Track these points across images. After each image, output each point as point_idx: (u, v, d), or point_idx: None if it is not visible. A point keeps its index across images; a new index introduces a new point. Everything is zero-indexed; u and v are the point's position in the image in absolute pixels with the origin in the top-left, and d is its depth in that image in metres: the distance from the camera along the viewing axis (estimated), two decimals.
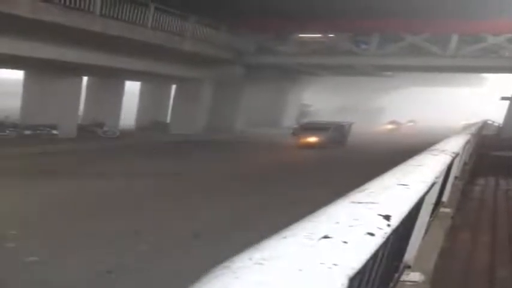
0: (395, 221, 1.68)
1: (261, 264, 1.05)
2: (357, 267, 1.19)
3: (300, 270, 1.04)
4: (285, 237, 1.24)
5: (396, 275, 2.87)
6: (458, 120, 52.54)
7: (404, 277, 3.28)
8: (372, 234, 1.42)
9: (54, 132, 26.83)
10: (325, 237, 1.26)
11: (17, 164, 18.44)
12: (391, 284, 2.68)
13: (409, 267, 3.36)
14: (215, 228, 9.93)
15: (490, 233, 5.70)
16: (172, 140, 30.69)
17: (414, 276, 3.45)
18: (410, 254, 3.26)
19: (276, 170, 19.46)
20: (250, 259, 1.07)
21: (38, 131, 26.47)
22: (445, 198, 6.10)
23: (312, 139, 28.63)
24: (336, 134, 29.61)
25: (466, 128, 17.66)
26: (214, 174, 17.82)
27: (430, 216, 4.35)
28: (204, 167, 19.93)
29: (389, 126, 52.97)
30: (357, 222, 1.47)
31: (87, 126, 30.68)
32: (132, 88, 39.86)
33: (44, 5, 20.54)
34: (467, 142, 9.25)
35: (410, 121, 59.66)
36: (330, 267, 1.09)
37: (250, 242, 1.19)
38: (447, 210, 6.19)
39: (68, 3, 21.70)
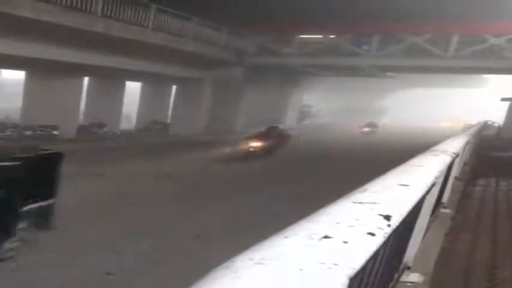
0: (395, 221, 1.68)
1: (261, 264, 1.05)
2: (357, 267, 1.19)
3: (301, 270, 1.04)
4: (285, 237, 1.25)
5: (396, 276, 2.87)
6: (458, 121, 52.16)
7: (403, 278, 3.28)
8: (372, 234, 1.42)
9: (55, 132, 26.83)
10: (326, 237, 1.27)
11: None
12: (391, 285, 2.67)
13: (408, 267, 3.36)
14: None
15: (490, 234, 5.68)
16: (172, 141, 30.56)
17: (413, 277, 3.45)
18: (410, 254, 3.25)
19: None
20: (251, 259, 1.07)
21: (39, 132, 26.46)
22: (445, 199, 6.09)
23: None
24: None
25: (466, 129, 17.65)
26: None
27: (430, 217, 4.35)
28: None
29: (253, 144, 24.48)
30: (358, 223, 1.47)
31: (87, 127, 30.68)
32: (133, 89, 39.80)
33: (45, 5, 20.52)
34: (467, 142, 9.25)
35: (369, 125, 44.86)
36: (330, 267, 1.09)
37: None
38: (447, 211, 6.18)
39: (69, 3, 21.71)
